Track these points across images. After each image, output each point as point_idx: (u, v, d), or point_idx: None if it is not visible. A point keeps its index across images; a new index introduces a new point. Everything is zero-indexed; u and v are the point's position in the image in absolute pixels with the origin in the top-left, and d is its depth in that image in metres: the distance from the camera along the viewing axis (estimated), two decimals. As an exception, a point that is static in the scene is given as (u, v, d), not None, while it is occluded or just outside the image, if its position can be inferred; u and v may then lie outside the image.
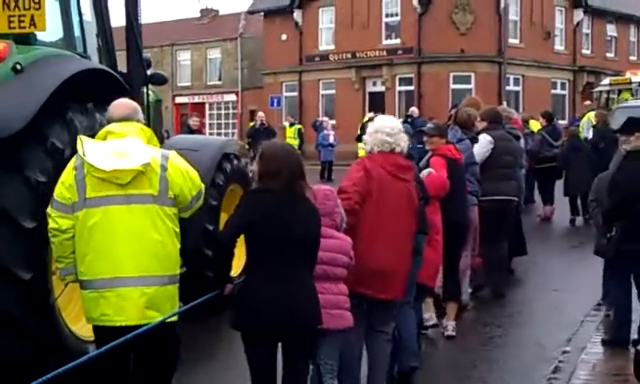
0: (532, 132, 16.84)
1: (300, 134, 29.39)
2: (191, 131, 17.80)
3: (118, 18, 7.62)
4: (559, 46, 39.91)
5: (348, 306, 5.33)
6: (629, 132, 7.72)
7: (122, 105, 4.94)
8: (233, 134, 47.10)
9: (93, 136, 4.84)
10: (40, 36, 6.37)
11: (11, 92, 5.53)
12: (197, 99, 51.09)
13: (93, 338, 4.95)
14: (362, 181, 5.73)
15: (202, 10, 54.74)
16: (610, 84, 27.58)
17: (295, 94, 41.24)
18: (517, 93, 37.25)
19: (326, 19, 40.11)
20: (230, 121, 50.41)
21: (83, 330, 5.89)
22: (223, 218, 8.43)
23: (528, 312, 9.54)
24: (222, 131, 49.02)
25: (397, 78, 37.40)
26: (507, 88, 35.15)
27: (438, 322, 8.12)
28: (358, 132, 18.70)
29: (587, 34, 41.89)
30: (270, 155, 4.84)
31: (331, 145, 26.98)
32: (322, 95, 40.43)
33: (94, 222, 4.51)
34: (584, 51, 41.50)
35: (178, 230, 4.70)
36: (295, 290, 4.66)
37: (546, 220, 16.09)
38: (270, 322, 4.59)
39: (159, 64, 44.35)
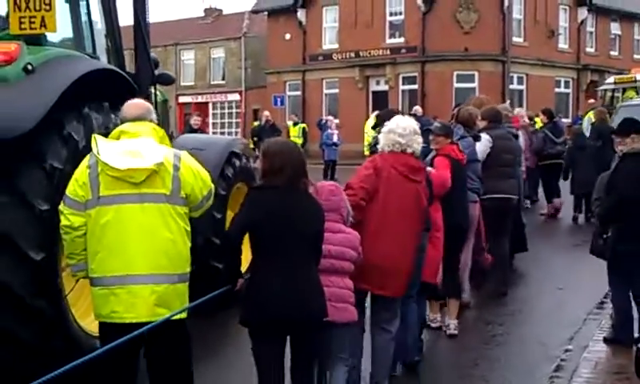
0: (537, 130, 16.91)
1: (304, 133, 29.46)
2: (193, 130, 17.84)
3: (125, 17, 7.72)
4: (563, 45, 39.88)
5: (353, 300, 5.43)
6: (624, 133, 7.69)
7: (135, 105, 5.01)
8: (236, 133, 47.09)
9: (106, 135, 4.91)
10: (50, 37, 6.45)
11: (23, 92, 5.59)
12: (200, 99, 51.10)
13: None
14: (369, 178, 5.85)
15: (205, 10, 54.79)
16: (615, 82, 27.58)
17: (299, 93, 41.28)
18: (520, 91, 37.23)
19: (330, 18, 40.14)
20: (234, 120, 50.43)
21: (92, 325, 5.96)
22: (229, 215, 8.51)
23: (530, 310, 9.56)
24: (226, 131, 49.02)
25: (400, 76, 37.42)
26: (511, 87, 35.15)
27: (442, 324, 8.21)
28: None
29: (591, 33, 41.86)
30: (273, 152, 4.91)
31: (335, 144, 27.01)
32: (326, 94, 40.47)
33: (107, 220, 4.57)
34: (588, 49, 41.47)
35: (189, 228, 4.77)
36: (301, 284, 4.75)
37: (552, 217, 16.10)
38: (278, 315, 4.67)
39: (163, 64, 44.14)
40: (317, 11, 40.21)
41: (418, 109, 25.25)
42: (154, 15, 7.24)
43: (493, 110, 10.18)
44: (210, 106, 51.28)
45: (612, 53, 42.89)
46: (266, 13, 43.51)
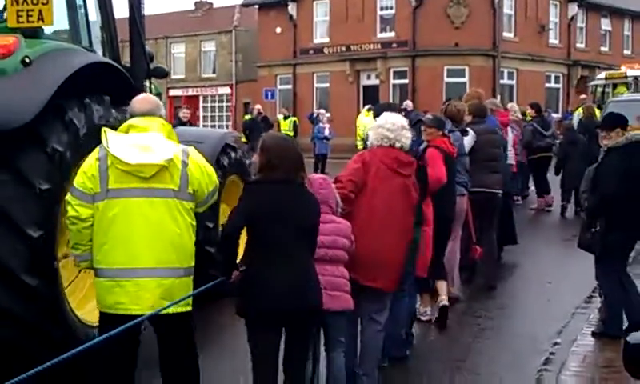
0: (526, 122, 17.02)
1: (295, 126, 29.49)
2: (182, 123, 17.84)
3: (120, 10, 7.74)
4: (554, 40, 39.96)
5: (348, 288, 5.50)
6: (609, 127, 7.74)
7: (144, 100, 5.08)
8: (227, 126, 47.04)
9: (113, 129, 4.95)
10: (47, 30, 6.49)
11: (21, 84, 5.64)
12: (191, 92, 50.96)
13: (97, 324, 5.05)
14: (357, 172, 5.94)
15: (196, 3, 54.64)
16: (606, 78, 27.65)
17: (289, 86, 41.22)
18: (511, 86, 37.33)
19: (321, 12, 40.10)
20: (224, 113, 50.33)
21: (88, 315, 6.02)
22: (223, 208, 8.57)
23: (519, 304, 9.64)
24: (216, 124, 48.91)
25: (391, 71, 37.47)
26: (501, 82, 35.31)
27: (432, 318, 8.28)
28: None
29: (581, 28, 41.99)
30: (271, 147, 4.96)
31: (326, 138, 27.08)
32: (317, 88, 40.45)
33: (115, 213, 4.62)
34: (578, 45, 41.61)
35: (194, 223, 4.84)
36: (298, 276, 4.81)
37: (543, 211, 16.22)
38: (275, 306, 4.73)
39: (153, 57, 44.19)
40: (307, 5, 40.17)
41: (408, 103, 25.28)
42: (144, 8, 7.24)
43: (479, 105, 10.28)
44: (201, 99, 51.16)
45: (602, 48, 43.05)
46: (256, 6, 43.42)
